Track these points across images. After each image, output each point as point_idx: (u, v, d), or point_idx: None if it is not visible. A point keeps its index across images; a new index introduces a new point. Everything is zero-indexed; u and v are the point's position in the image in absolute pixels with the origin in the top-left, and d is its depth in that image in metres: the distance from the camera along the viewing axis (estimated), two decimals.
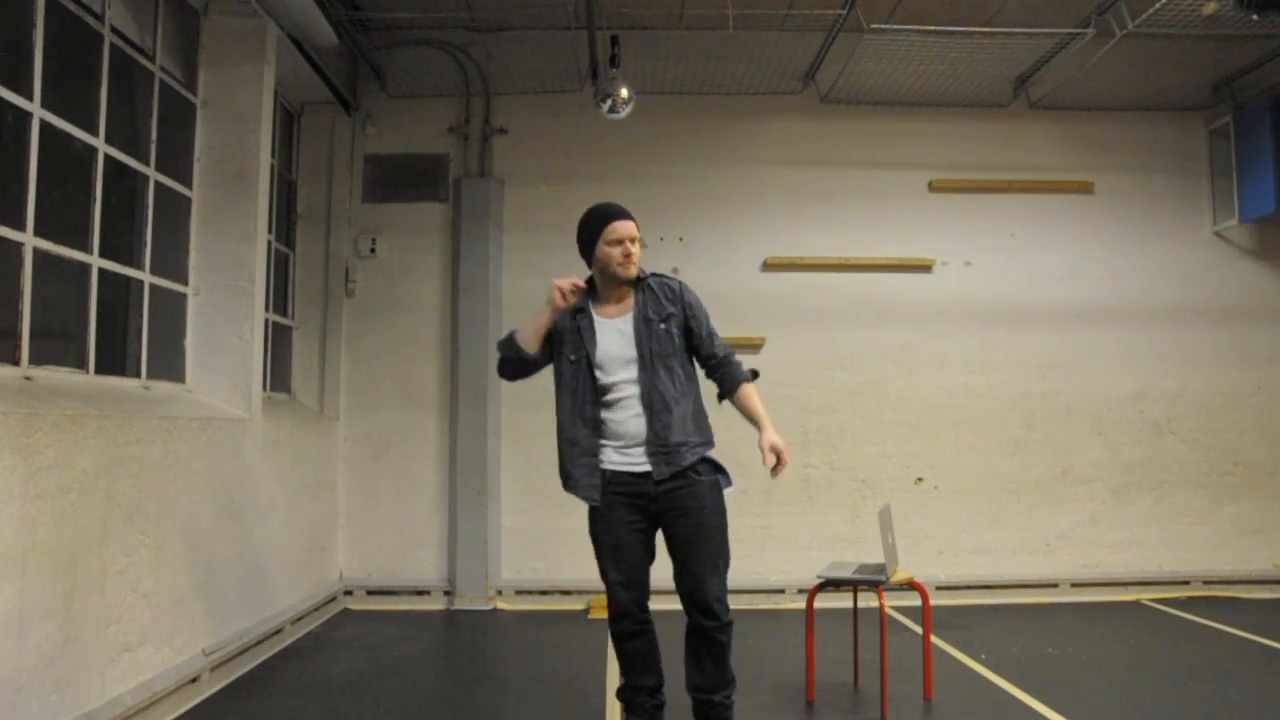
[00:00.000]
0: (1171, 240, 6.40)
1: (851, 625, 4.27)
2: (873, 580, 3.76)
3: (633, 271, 3.21)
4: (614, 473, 3.16)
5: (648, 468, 3.13)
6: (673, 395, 3.15)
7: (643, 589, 3.20)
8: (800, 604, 5.17)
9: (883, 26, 5.26)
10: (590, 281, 3.29)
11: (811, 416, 6.18)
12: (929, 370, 6.25)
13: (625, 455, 3.16)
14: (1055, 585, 6.12)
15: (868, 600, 4.30)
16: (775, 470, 3.13)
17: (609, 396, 3.17)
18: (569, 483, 3.24)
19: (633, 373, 3.15)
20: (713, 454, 3.23)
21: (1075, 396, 6.28)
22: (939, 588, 5.86)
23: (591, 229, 3.23)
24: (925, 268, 6.29)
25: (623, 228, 3.19)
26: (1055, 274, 6.33)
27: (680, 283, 3.31)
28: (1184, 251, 6.40)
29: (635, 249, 3.20)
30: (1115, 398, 6.30)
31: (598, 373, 3.17)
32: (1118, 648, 4.89)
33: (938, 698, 3.93)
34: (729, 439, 3.49)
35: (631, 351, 3.16)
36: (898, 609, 5.49)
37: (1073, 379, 6.29)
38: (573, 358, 3.21)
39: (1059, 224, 6.37)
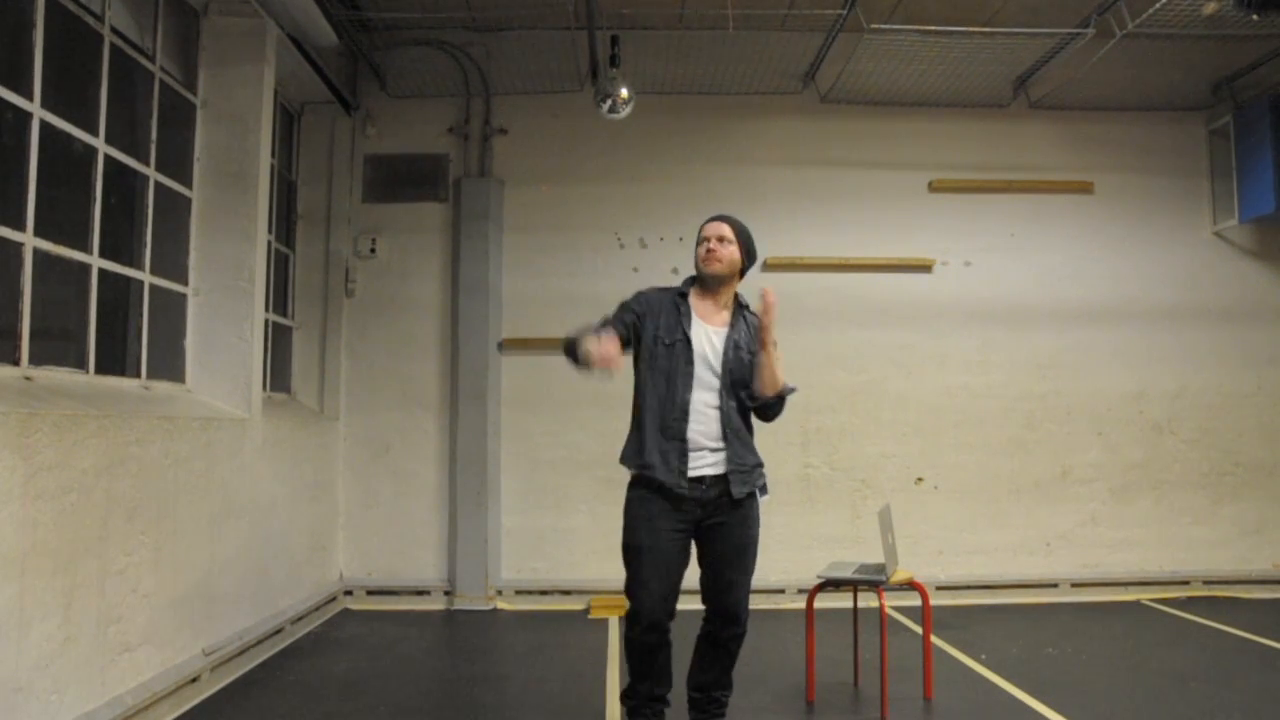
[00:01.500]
0: (1171, 240, 6.40)
1: (851, 625, 4.27)
2: (873, 580, 3.76)
3: (715, 268, 3.24)
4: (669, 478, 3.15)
5: (703, 473, 3.13)
6: (745, 421, 3.23)
7: (675, 599, 3.17)
8: (800, 604, 5.17)
9: (883, 26, 5.26)
10: (693, 279, 3.36)
11: (811, 416, 6.18)
12: (929, 370, 6.25)
13: (681, 460, 3.14)
14: (1055, 585, 6.12)
15: (868, 600, 4.30)
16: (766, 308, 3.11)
17: (696, 389, 3.16)
18: (642, 463, 3.16)
19: (713, 386, 3.17)
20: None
21: (1075, 396, 6.28)
22: (939, 588, 5.86)
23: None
24: (925, 268, 6.29)
25: (709, 228, 3.30)
26: (1055, 274, 6.33)
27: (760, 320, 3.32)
28: (1184, 251, 6.40)
29: (719, 247, 3.24)
30: (1115, 398, 6.30)
31: (697, 360, 3.17)
32: (1118, 648, 4.89)
33: (938, 698, 3.93)
34: None
35: (717, 368, 3.18)
36: (898, 609, 5.49)
37: (1073, 379, 6.29)
38: (668, 341, 3.19)
39: (1059, 224, 6.37)
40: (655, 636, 3.15)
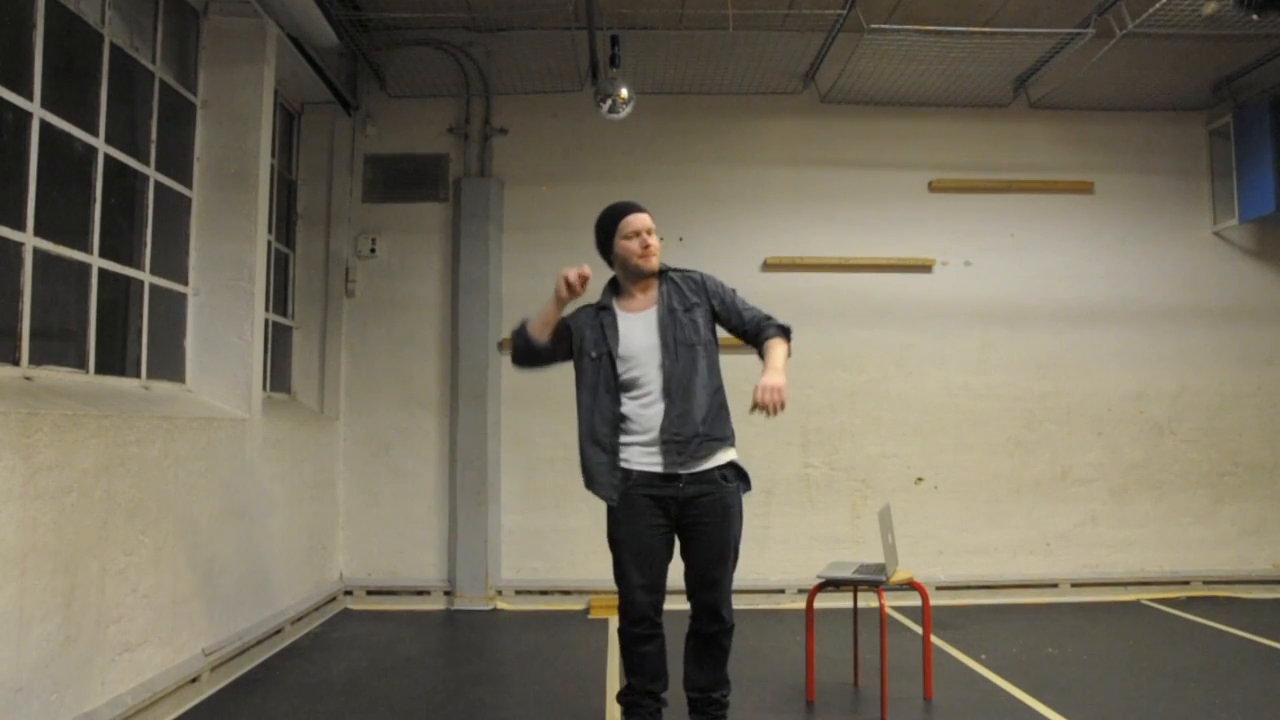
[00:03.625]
0: (1171, 240, 6.40)
1: (851, 625, 4.27)
2: (873, 580, 3.76)
3: (654, 263, 3.21)
4: (639, 473, 3.13)
5: (677, 470, 3.11)
6: (692, 385, 3.13)
7: (662, 593, 3.17)
8: (800, 604, 5.17)
9: (883, 26, 5.26)
10: (614, 281, 3.31)
11: (811, 416, 6.18)
12: (929, 370, 6.25)
13: (649, 454, 3.13)
14: (1055, 585, 6.12)
15: (868, 600, 4.30)
16: (753, 409, 2.99)
17: (634, 391, 3.15)
18: (590, 482, 3.21)
19: (656, 363, 3.13)
20: (737, 458, 3.22)
21: (1075, 396, 6.28)
22: (939, 588, 5.86)
23: (607, 227, 3.25)
24: (925, 268, 6.29)
25: (637, 220, 3.20)
26: (1055, 274, 6.33)
27: (701, 274, 3.31)
28: (1184, 251, 6.40)
29: (653, 240, 3.21)
30: (1115, 398, 6.30)
31: (620, 366, 3.15)
32: (1118, 648, 4.89)
33: (938, 698, 3.93)
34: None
35: (655, 341, 3.14)
36: (898, 609, 5.49)
37: (1073, 379, 6.29)
38: (594, 354, 3.19)
39: (1059, 224, 6.37)
40: (643, 629, 3.15)
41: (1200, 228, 6.43)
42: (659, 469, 3.12)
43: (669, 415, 3.11)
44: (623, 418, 3.15)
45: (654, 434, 3.12)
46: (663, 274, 3.27)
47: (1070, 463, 6.25)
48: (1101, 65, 5.68)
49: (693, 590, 3.20)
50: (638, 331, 3.19)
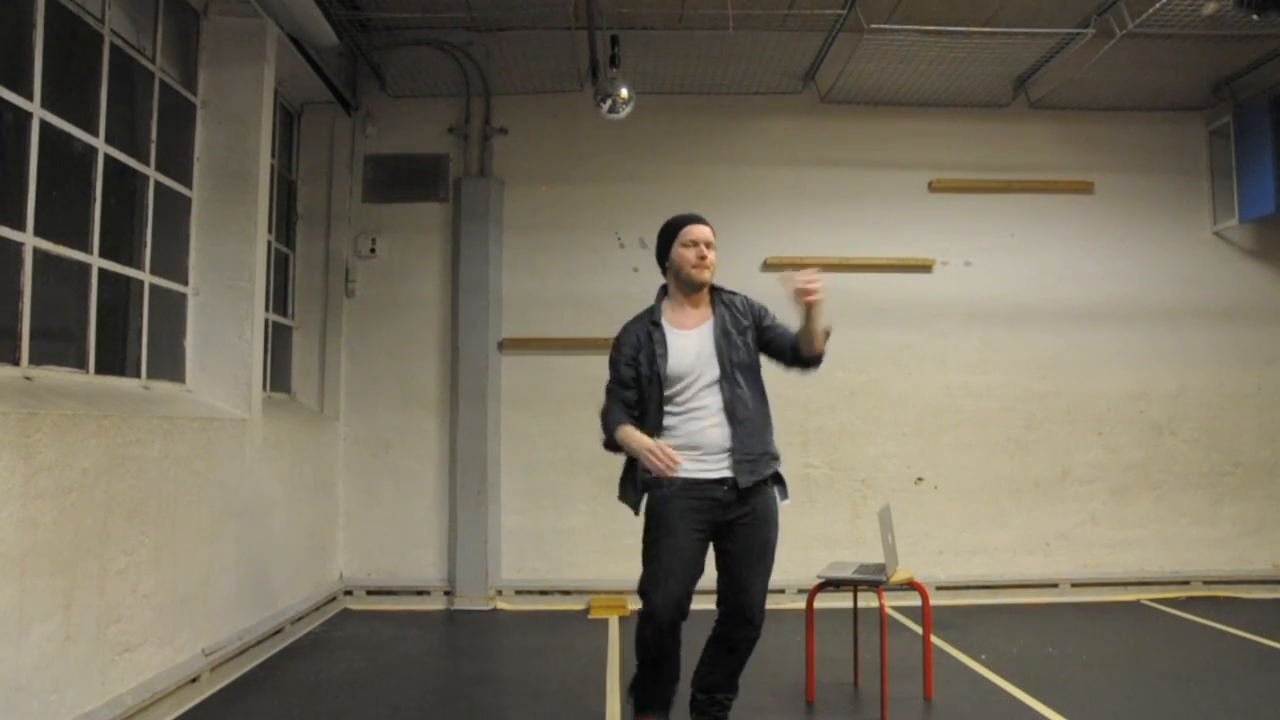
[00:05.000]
0: (1171, 240, 6.40)
1: (851, 625, 4.27)
2: (873, 580, 3.77)
3: (706, 276, 3.24)
4: (688, 480, 3.12)
5: (725, 474, 3.13)
6: (753, 405, 3.19)
7: (689, 601, 3.16)
8: (800, 604, 5.17)
9: (883, 26, 5.27)
10: (665, 289, 3.35)
11: (811, 416, 6.18)
12: (929, 370, 6.25)
13: (700, 463, 3.14)
14: (1055, 585, 6.12)
15: (868, 600, 4.30)
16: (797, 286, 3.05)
17: (687, 406, 3.16)
18: (621, 491, 3.28)
19: (712, 382, 3.16)
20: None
21: (1075, 396, 6.28)
22: (939, 588, 5.86)
23: (669, 233, 3.31)
24: (925, 268, 6.29)
25: (698, 230, 3.26)
26: (1055, 274, 6.33)
27: (744, 296, 3.36)
28: (1184, 251, 6.40)
29: (710, 254, 3.24)
30: (1115, 398, 6.30)
31: (667, 385, 3.18)
32: (1118, 648, 4.89)
33: (938, 698, 3.93)
34: None
35: (712, 363, 3.17)
36: (898, 609, 5.49)
37: (1073, 379, 6.29)
38: (646, 372, 3.22)
39: (1059, 224, 6.37)
40: (670, 634, 3.15)
41: (1200, 228, 6.43)
42: (709, 474, 3.12)
43: (738, 436, 3.14)
44: (665, 430, 3.17)
45: (709, 448, 3.13)
46: (716, 292, 3.31)
47: (1070, 463, 6.25)
48: (1101, 65, 5.68)
49: (726, 593, 3.19)
50: (688, 348, 3.20)
